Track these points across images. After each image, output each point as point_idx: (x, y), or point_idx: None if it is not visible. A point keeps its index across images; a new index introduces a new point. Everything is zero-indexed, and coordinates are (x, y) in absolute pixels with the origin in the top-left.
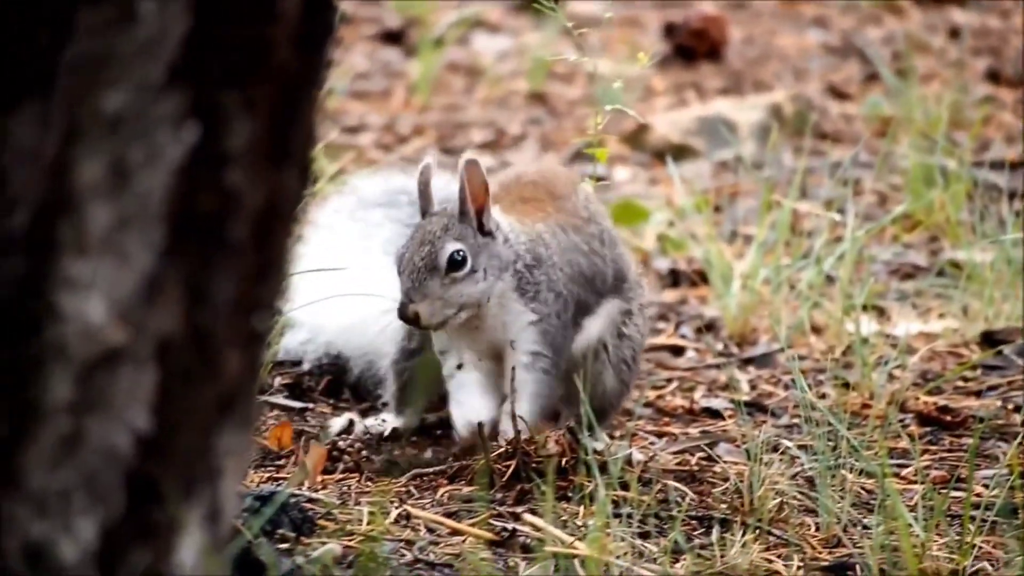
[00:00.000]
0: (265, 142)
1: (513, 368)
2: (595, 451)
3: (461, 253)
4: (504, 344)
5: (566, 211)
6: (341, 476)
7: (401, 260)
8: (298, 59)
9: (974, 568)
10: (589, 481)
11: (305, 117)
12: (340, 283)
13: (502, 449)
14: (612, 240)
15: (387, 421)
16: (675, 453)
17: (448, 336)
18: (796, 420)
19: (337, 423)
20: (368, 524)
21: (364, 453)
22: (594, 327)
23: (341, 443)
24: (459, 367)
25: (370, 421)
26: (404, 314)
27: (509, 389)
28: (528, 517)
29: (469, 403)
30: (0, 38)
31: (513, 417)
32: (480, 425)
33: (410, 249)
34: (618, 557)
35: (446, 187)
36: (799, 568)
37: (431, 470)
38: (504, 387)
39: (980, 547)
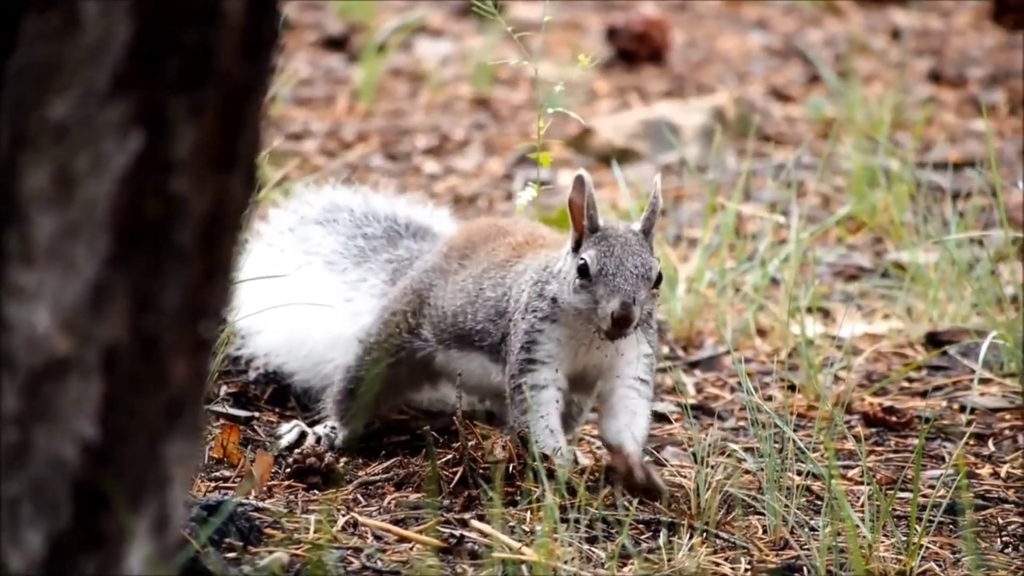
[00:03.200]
0: (210, 149)
1: (612, 392)
2: (542, 455)
3: (660, 271)
4: (603, 371)
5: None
6: (288, 484)
7: (607, 264)
8: (242, 65)
9: (921, 569)
10: (536, 487)
11: (250, 123)
12: (284, 294)
13: (449, 456)
14: None
15: (337, 429)
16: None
17: (554, 348)
18: (743, 423)
19: (288, 432)
20: (315, 532)
21: (323, 461)
22: None
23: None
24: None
25: (321, 429)
26: (627, 314)
27: (608, 411)
28: (476, 523)
29: (557, 428)
30: None
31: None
32: (429, 435)
33: (617, 255)
34: (566, 562)
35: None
36: (747, 570)
37: (378, 478)
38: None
39: (927, 547)
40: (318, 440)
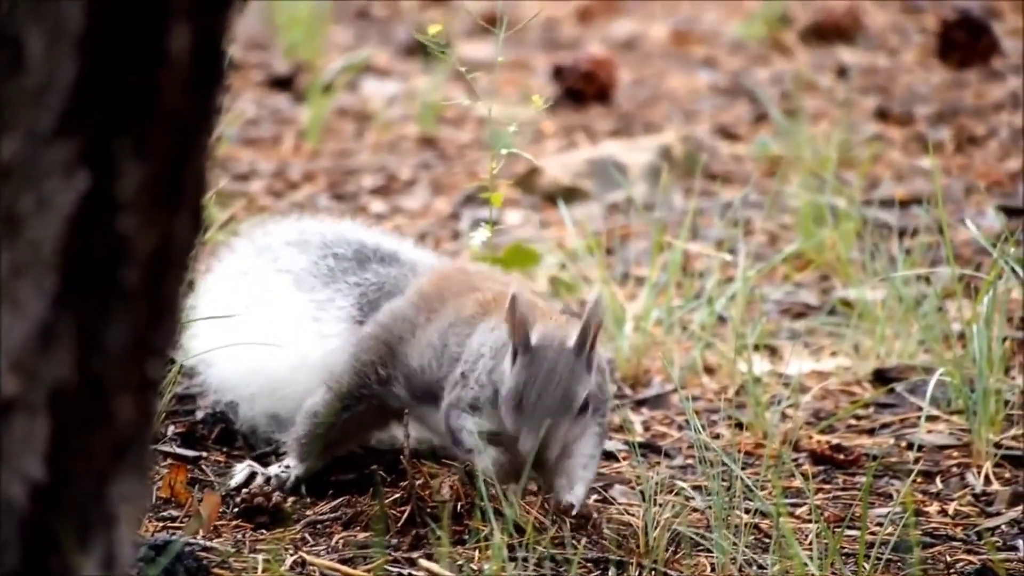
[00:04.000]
0: (156, 188)
1: (557, 464)
2: (489, 496)
3: (588, 398)
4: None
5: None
6: (236, 524)
7: (526, 393)
8: (188, 105)
9: None
10: (484, 525)
11: (196, 163)
12: (241, 329)
13: (397, 495)
14: None
15: (291, 467)
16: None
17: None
18: (690, 460)
19: (239, 472)
20: (264, 572)
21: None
22: None
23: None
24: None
25: (274, 469)
26: (526, 449)
27: (548, 477)
28: (424, 563)
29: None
30: None
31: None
32: (376, 474)
33: (538, 385)
34: None
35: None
36: None
37: (326, 517)
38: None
39: None
40: (267, 480)
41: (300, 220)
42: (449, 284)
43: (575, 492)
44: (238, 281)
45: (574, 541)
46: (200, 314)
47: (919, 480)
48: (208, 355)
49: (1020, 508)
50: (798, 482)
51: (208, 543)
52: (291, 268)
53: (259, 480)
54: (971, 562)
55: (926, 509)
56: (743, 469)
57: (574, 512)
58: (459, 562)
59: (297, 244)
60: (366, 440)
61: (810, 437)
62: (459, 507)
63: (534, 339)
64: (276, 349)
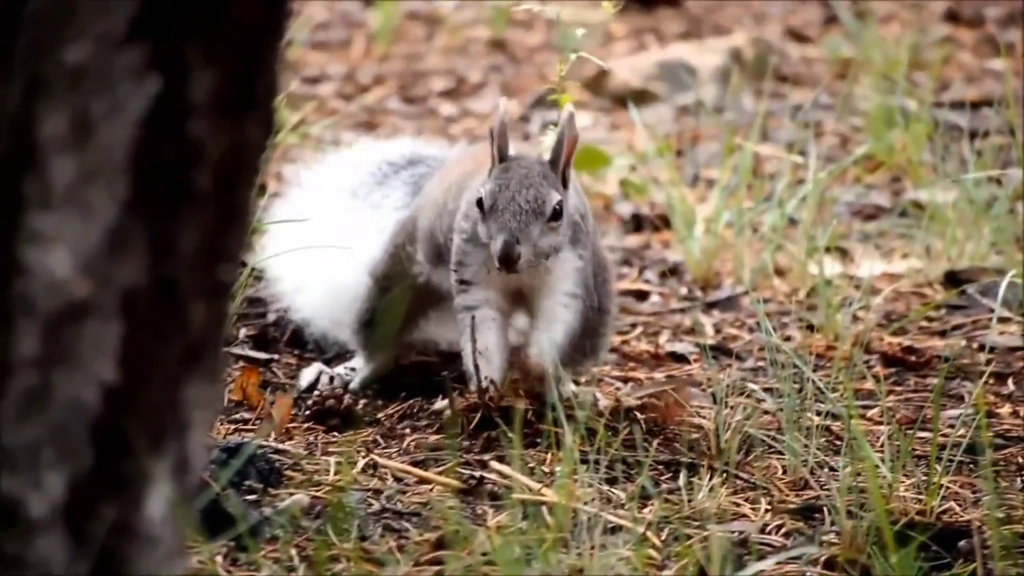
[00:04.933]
0: (227, 93)
1: (540, 308)
2: (562, 398)
3: (560, 204)
4: (537, 287)
5: None
6: (307, 426)
7: (497, 198)
8: (259, 9)
9: (941, 508)
10: (555, 428)
11: (267, 67)
12: (306, 242)
13: (469, 403)
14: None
15: (357, 369)
16: (641, 398)
17: (478, 269)
18: (761, 363)
19: (307, 374)
20: (335, 474)
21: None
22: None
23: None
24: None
25: (339, 369)
26: (508, 253)
27: (533, 325)
28: (495, 465)
29: (489, 353)
30: None
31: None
32: (447, 378)
33: (511, 189)
34: (586, 503)
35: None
36: (767, 511)
37: (397, 420)
38: (521, 328)
39: (947, 487)
40: (331, 380)
41: (352, 146)
42: (462, 159)
43: (545, 350)
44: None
45: (645, 444)
46: (269, 229)
47: (991, 382)
48: (277, 268)
49: None
50: (869, 384)
51: (280, 445)
52: (348, 183)
53: (324, 380)
54: None
55: (998, 411)
56: (814, 371)
57: (530, 367)
58: (530, 464)
59: (352, 164)
60: (415, 331)
61: (881, 339)
62: (529, 413)
63: (510, 153)
64: (339, 255)
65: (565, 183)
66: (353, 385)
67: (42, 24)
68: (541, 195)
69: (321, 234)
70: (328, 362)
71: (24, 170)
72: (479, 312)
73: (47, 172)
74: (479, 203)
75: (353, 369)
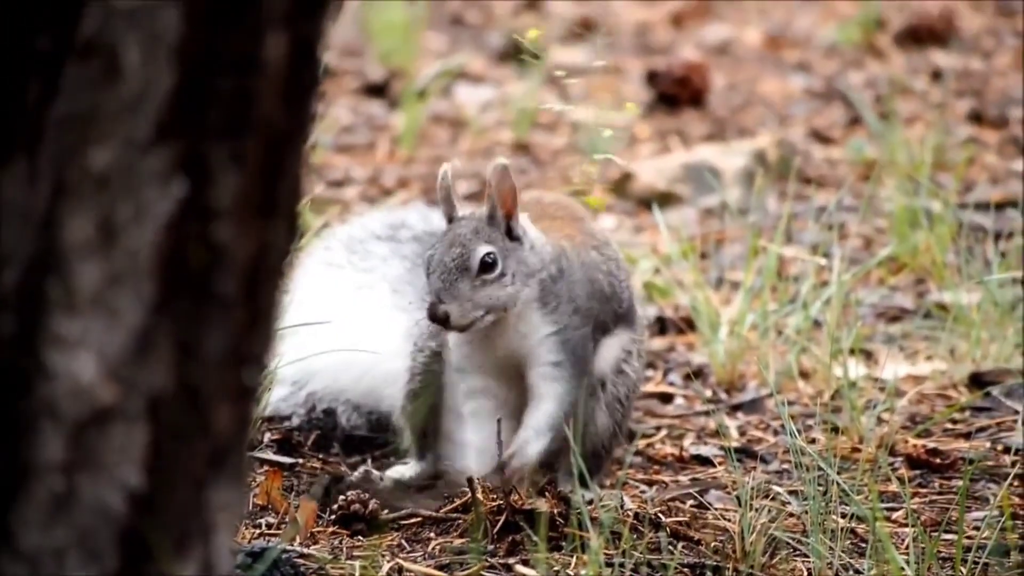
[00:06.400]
0: (252, 195)
1: (528, 384)
2: (587, 501)
3: (492, 256)
4: (522, 360)
5: (585, 232)
6: (332, 530)
7: (431, 261)
8: (284, 112)
9: None
10: (581, 531)
11: (291, 170)
12: (336, 329)
13: (494, 504)
14: (626, 269)
15: (404, 468)
16: (666, 501)
17: (467, 350)
18: (786, 465)
19: (355, 477)
20: None
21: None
22: (608, 352)
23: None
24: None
25: (394, 471)
26: (434, 313)
27: (530, 402)
28: (520, 568)
29: (479, 445)
30: None
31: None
32: (470, 480)
33: (439, 250)
34: None
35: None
36: None
37: (420, 519)
38: (520, 415)
39: None
40: (381, 479)
41: (387, 211)
42: None
43: (523, 447)
44: (330, 275)
45: (670, 547)
46: (294, 312)
47: (1016, 484)
48: (307, 360)
49: None
50: (894, 486)
51: (305, 550)
52: (381, 269)
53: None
54: None
55: (1023, 513)
56: (839, 473)
57: (507, 470)
58: (555, 568)
59: (386, 240)
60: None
61: (906, 441)
62: (556, 513)
63: (458, 212)
64: (373, 355)
65: (513, 238)
66: (404, 480)
67: (68, 127)
68: (467, 251)
69: (350, 325)
70: (352, 467)
71: (49, 273)
72: (472, 405)
73: (72, 276)
74: (425, 264)
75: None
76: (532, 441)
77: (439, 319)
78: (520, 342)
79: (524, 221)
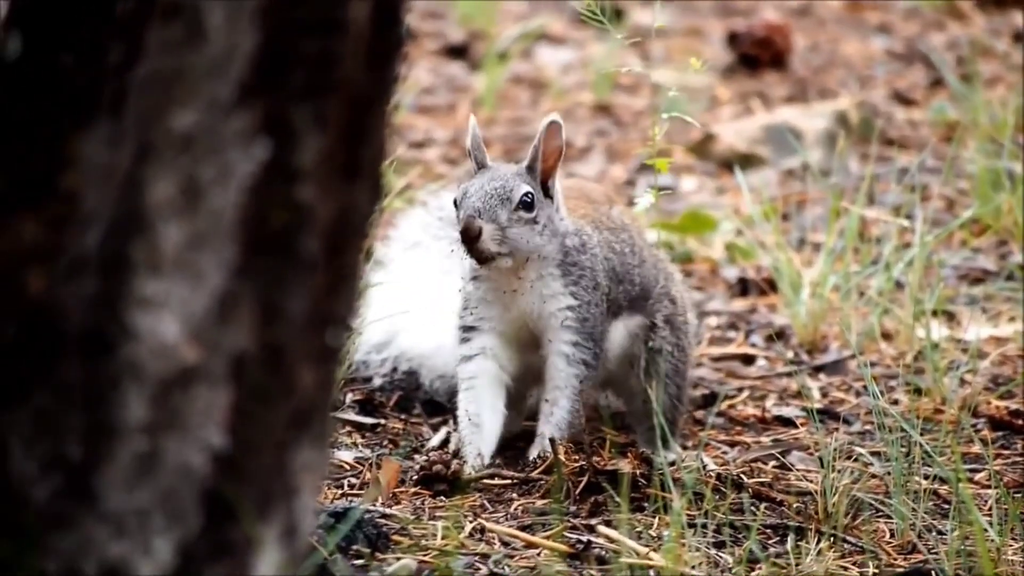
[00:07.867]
0: (335, 157)
1: (545, 362)
2: (669, 462)
3: (531, 196)
4: (536, 326)
5: (601, 214)
6: (414, 491)
7: (466, 191)
8: (367, 74)
9: None
10: (663, 492)
11: (374, 132)
12: (418, 299)
13: (576, 465)
14: (640, 255)
15: None
16: (748, 462)
17: (483, 308)
18: (868, 427)
19: (436, 440)
20: (443, 539)
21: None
22: (618, 334)
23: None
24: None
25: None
26: (469, 227)
27: (548, 387)
28: (603, 529)
29: (480, 420)
30: (72, 56)
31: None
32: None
33: (478, 182)
34: (694, 567)
35: None
36: (874, 574)
37: (504, 481)
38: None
39: None
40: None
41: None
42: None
43: (552, 424)
44: (413, 252)
45: (753, 508)
46: (380, 282)
47: None
48: (392, 325)
49: None
50: (977, 448)
51: (387, 510)
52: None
53: (432, 442)
54: None
55: None
56: (922, 435)
57: (543, 454)
58: (638, 529)
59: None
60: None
61: (988, 403)
62: (638, 475)
63: (488, 161)
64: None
65: (548, 195)
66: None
67: (151, 89)
68: (508, 184)
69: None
70: (436, 427)
71: (133, 235)
72: (474, 365)
73: (156, 237)
74: (455, 202)
75: None
76: (555, 423)
77: (472, 235)
78: (540, 306)
79: (559, 184)
